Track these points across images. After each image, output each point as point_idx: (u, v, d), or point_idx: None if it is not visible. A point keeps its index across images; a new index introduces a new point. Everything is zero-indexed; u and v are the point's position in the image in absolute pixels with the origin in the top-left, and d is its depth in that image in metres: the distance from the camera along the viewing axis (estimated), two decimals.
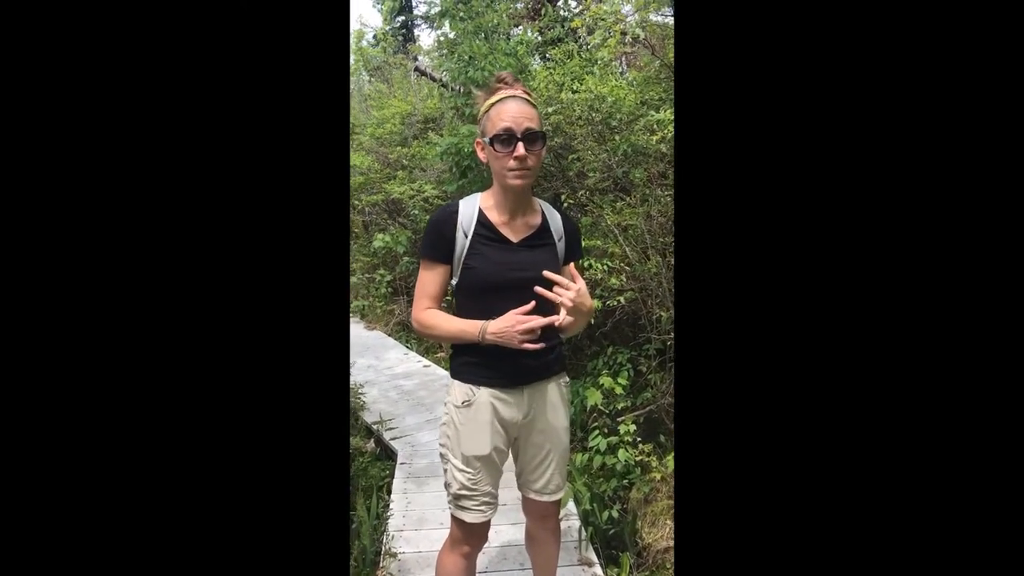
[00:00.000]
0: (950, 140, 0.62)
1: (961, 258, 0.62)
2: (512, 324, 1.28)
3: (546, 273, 1.30)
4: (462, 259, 1.35)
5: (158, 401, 0.65)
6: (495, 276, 1.34)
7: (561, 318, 1.28)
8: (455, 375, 1.44)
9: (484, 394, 1.40)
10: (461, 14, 3.74)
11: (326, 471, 0.72)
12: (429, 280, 1.38)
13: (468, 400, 1.40)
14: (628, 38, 2.32)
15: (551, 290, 1.27)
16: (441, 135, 5.24)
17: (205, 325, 0.67)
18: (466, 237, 1.34)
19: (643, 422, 2.90)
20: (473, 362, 1.40)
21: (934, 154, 0.63)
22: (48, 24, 0.63)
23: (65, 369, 0.63)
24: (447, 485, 1.46)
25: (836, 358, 0.66)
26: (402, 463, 3.03)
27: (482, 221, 1.36)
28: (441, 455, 1.48)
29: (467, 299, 1.38)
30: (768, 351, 0.69)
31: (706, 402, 0.71)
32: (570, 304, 1.26)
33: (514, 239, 1.37)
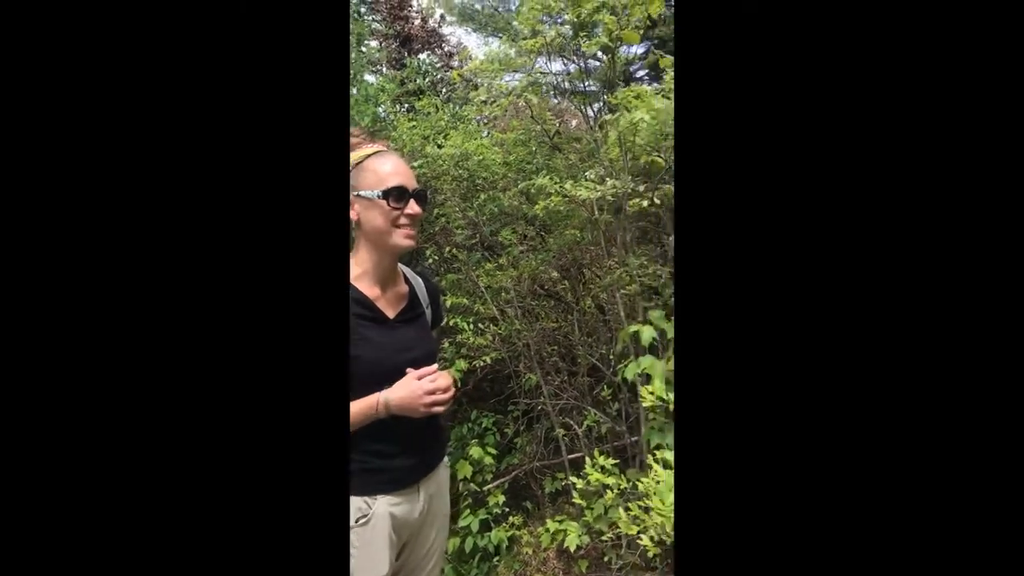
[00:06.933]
0: (953, 186, 0.62)
1: (957, 276, 0.61)
2: (420, 388, 1.08)
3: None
4: None
5: (155, 404, 0.64)
6: (384, 363, 1.12)
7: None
8: None
9: (382, 505, 1.14)
10: None
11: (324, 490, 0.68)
12: None
13: (364, 516, 1.12)
14: (520, 102, 2.28)
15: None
16: None
17: (187, 333, 0.64)
18: None
19: (507, 488, 2.79)
20: (365, 467, 1.12)
21: (938, 189, 0.62)
22: (46, 22, 0.62)
23: (61, 374, 0.62)
24: None
25: (832, 386, 0.64)
26: None
27: (356, 297, 1.13)
28: None
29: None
30: (766, 388, 0.66)
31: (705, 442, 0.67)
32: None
33: (390, 314, 1.18)
